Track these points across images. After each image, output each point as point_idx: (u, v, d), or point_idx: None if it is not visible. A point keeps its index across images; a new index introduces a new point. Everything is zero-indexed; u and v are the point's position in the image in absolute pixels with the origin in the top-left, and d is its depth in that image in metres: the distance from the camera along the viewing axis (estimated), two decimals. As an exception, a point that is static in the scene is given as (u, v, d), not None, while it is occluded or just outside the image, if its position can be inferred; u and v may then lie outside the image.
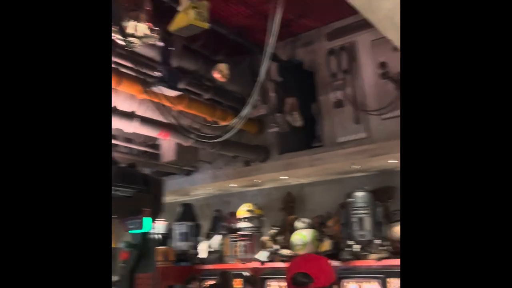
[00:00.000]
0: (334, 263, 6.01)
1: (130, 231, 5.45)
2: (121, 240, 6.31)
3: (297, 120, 6.20)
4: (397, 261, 5.81)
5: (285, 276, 1.69)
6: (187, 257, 7.71)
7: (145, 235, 5.17)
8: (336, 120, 6.13)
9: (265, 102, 5.94)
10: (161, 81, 4.10)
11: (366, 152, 5.83)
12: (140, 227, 4.64)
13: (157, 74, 4.20)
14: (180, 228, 7.97)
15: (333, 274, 1.57)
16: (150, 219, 4.78)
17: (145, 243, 5.29)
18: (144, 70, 4.35)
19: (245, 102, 6.67)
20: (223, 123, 6.09)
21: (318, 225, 6.89)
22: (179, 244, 7.83)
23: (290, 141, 6.77)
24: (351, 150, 5.92)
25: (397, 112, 5.58)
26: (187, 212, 8.17)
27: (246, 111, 4.39)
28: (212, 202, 8.61)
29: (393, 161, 6.02)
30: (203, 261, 7.68)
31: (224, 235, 7.79)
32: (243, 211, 7.44)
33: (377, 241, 6.07)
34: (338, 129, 6.09)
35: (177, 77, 4.44)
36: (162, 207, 5.24)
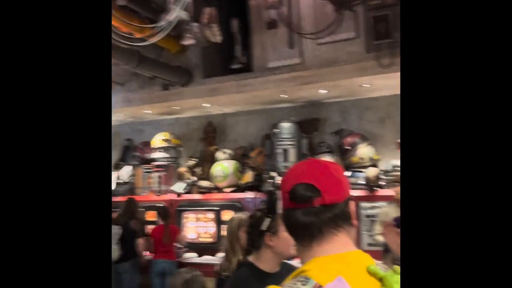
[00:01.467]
0: (256, 195, 5.78)
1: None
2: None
3: (215, 34, 5.50)
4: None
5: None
6: (93, 189, 7.06)
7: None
8: (268, 43, 5.62)
9: (181, 8, 5.11)
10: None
11: (298, 79, 5.45)
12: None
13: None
14: (84, 157, 7.25)
15: (348, 186, 1.09)
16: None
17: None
18: None
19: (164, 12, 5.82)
20: (139, 35, 5.22)
21: (240, 156, 6.60)
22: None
23: (216, 63, 6.15)
24: (282, 76, 5.49)
25: (334, 37, 5.23)
26: (93, 140, 7.40)
27: (174, 15, 3.65)
28: (123, 130, 7.78)
29: (324, 91, 5.75)
30: (112, 193, 7.10)
31: (135, 165, 7.26)
32: (159, 140, 6.91)
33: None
34: (269, 53, 5.60)
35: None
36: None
